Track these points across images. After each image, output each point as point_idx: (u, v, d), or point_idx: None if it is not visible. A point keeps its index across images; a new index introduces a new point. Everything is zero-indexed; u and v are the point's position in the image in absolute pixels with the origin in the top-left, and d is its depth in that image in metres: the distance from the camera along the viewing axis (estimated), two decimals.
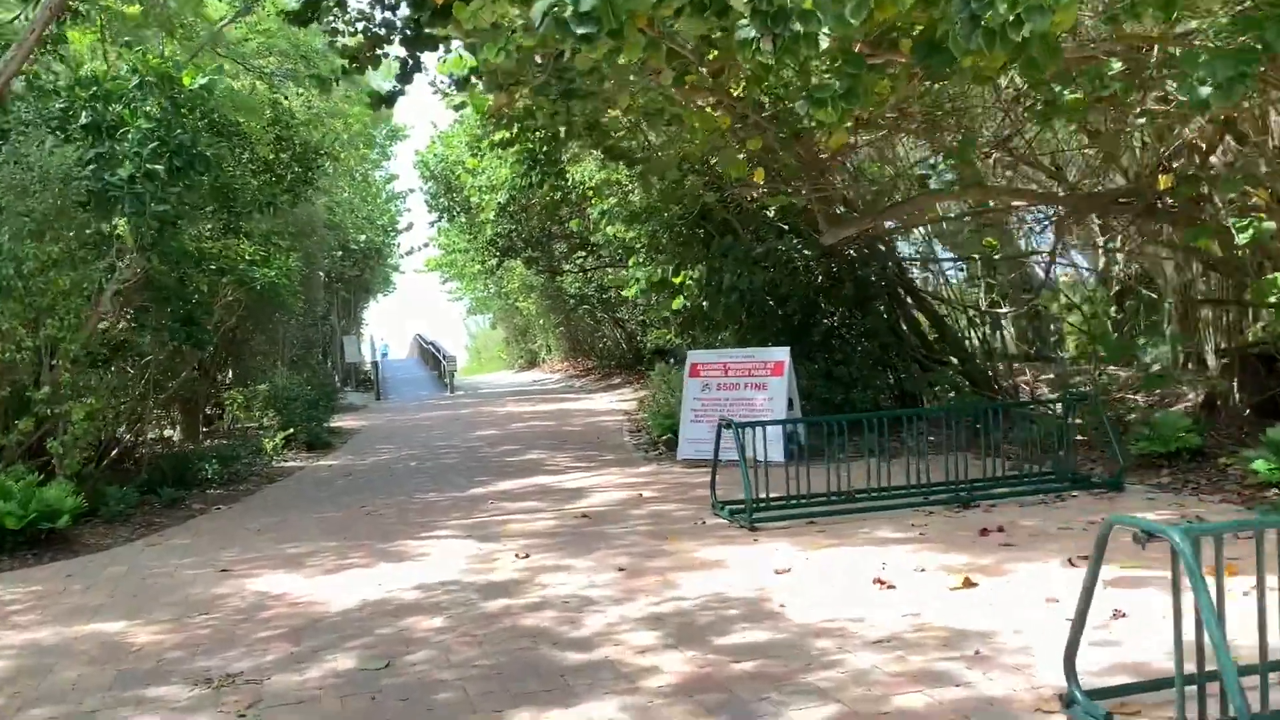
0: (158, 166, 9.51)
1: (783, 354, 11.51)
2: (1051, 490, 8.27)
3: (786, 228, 11.92)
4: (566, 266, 31.07)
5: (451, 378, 30.77)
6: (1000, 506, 7.92)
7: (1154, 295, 12.31)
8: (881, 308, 12.44)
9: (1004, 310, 12.83)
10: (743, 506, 7.91)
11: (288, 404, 16.28)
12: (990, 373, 12.17)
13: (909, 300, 12.65)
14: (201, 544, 8.45)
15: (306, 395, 16.89)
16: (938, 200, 9.67)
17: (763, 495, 7.99)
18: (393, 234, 34.10)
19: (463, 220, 27.83)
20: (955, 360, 12.71)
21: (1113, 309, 13.00)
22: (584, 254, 29.35)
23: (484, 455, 13.58)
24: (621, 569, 6.50)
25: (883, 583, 5.74)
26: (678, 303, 17.17)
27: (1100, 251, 12.35)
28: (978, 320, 12.83)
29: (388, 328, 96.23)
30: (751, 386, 11.57)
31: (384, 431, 18.25)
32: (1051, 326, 14.83)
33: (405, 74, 9.54)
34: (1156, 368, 13.43)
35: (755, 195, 11.00)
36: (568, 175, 16.66)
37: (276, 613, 6.01)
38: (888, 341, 12.16)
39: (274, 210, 12.37)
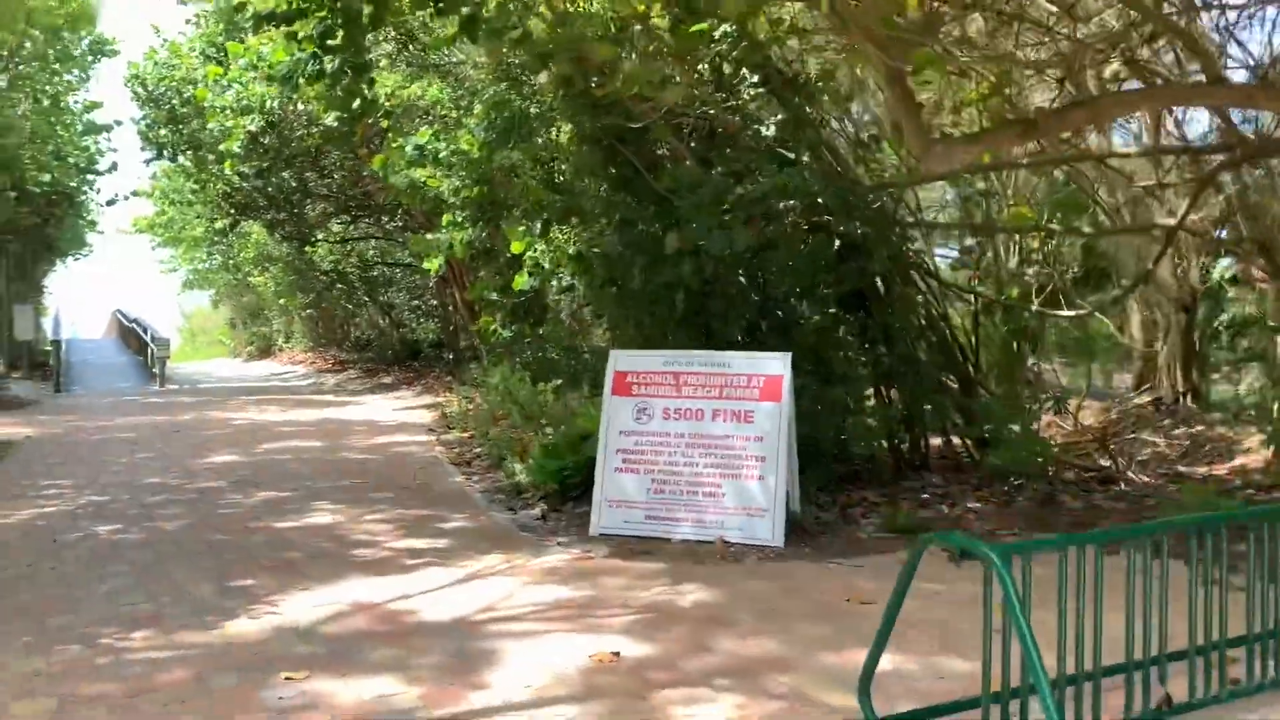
0: None
1: (779, 363, 6.88)
2: None
3: (792, 156, 7.29)
4: (320, 235, 25.11)
5: (163, 366, 23.85)
6: None
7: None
8: (920, 298, 8.10)
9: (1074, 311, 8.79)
10: None
11: None
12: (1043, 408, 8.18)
13: (929, 288, 8.34)
14: None
15: None
16: (1160, 102, 5.44)
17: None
18: (91, 176, 26.54)
19: (188, 163, 21.26)
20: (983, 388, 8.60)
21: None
22: (348, 217, 23.55)
23: (233, 513, 8.03)
24: None
25: None
26: (520, 281, 12.27)
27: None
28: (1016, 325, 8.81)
29: (81, 301, 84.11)
30: (727, 416, 6.87)
31: (59, 448, 12.02)
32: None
33: None
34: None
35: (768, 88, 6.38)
36: (374, 81, 11.30)
37: None
38: (906, 352, 7.83)
39: None
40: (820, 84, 7.31)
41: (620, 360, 7.27)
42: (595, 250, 9.26)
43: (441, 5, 7.92)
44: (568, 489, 7.89)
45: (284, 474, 9.86)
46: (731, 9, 6.06)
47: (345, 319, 30.14)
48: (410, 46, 13.82)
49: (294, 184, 20.21)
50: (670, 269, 7.32)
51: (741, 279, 7.44)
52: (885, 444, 8.32)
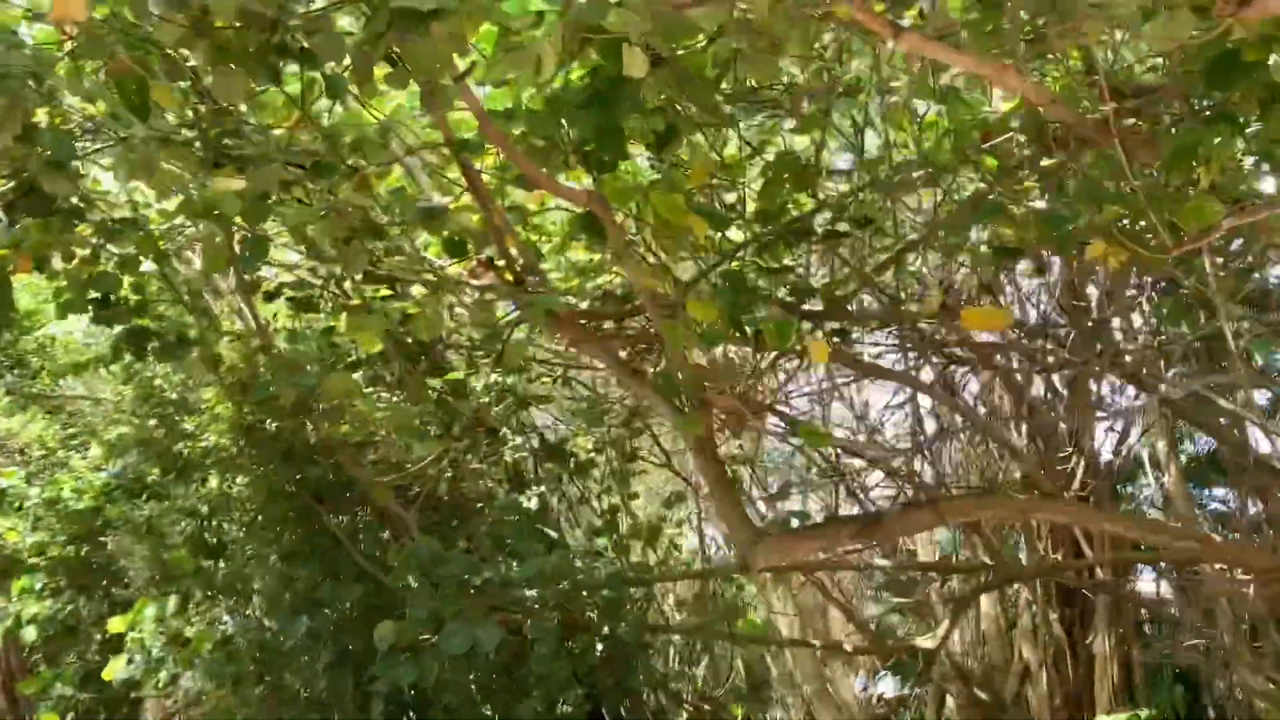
0: None
1: None
2: None
3: (556, 536, 5.87)
4: None
5: None
6: None
7: None
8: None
9: None
10: None
11: None
12: None
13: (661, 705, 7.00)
14: None
15: None
16: (1012, 512, 4.78)
17: None
18: None
19: None
20: None
21: None
22: None
23: None
24: None
25: None
26: (113, 671, 9.59)
27: None
28: None
29: None
30: None
31: None
32: None
33: None
34: None
35: None
36: None
37: None
38: None
39: None
40: (592, 457, 6.29)
41: None
42: (251, 637, 7.21)
43: (103, 313, 6.22)
44: None
45: None
46: (511, 361, 5.01)
47: None
48: (16, 370, 11.40)
49: None
50: (385, 670, 5.52)
51: (473, 689, 5.76)
52: None
